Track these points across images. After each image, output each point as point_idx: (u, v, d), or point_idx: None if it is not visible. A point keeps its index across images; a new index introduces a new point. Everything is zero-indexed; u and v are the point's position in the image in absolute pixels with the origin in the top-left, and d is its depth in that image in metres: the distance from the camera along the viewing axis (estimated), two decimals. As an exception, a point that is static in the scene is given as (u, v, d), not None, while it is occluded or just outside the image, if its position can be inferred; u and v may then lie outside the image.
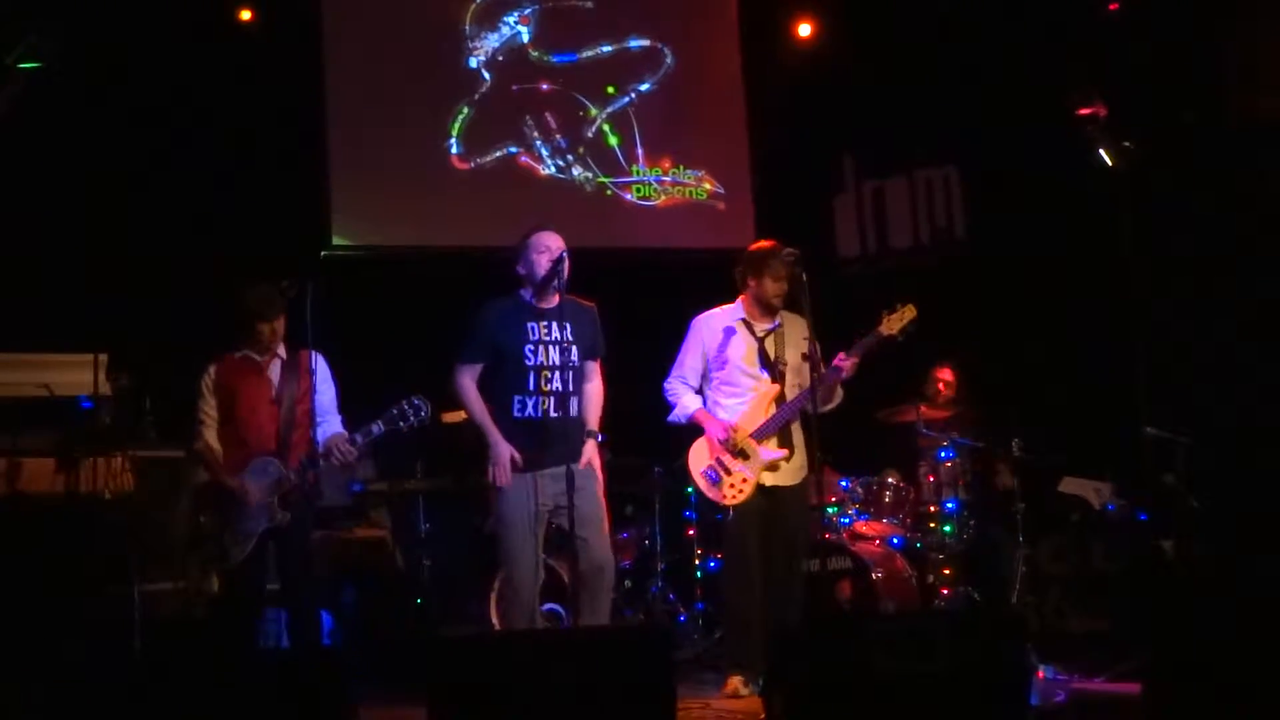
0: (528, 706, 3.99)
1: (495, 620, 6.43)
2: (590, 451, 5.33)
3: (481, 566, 6.73)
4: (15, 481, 6.11)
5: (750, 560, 5.70)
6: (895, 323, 5.66)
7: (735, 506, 5.71)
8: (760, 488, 5.70)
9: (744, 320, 5.84)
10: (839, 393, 5.78)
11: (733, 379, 5.81)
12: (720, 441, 5.73)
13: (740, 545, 5.73)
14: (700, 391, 5.91)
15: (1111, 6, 7.49)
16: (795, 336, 5.78)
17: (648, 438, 7.06)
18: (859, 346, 5.66)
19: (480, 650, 4.20)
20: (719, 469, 5.74)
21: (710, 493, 5.77)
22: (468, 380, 5.34)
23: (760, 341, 5.80)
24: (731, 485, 5.70)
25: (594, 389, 5.44)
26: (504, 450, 5.21)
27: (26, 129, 6.54)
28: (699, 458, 5.82)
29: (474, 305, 5.42)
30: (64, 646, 5.71)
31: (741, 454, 5.70)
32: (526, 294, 5.37)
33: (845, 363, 5.63)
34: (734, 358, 5.80)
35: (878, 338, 5.66)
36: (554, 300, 5.29)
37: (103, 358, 6.11)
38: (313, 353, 5.46)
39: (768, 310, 5.82)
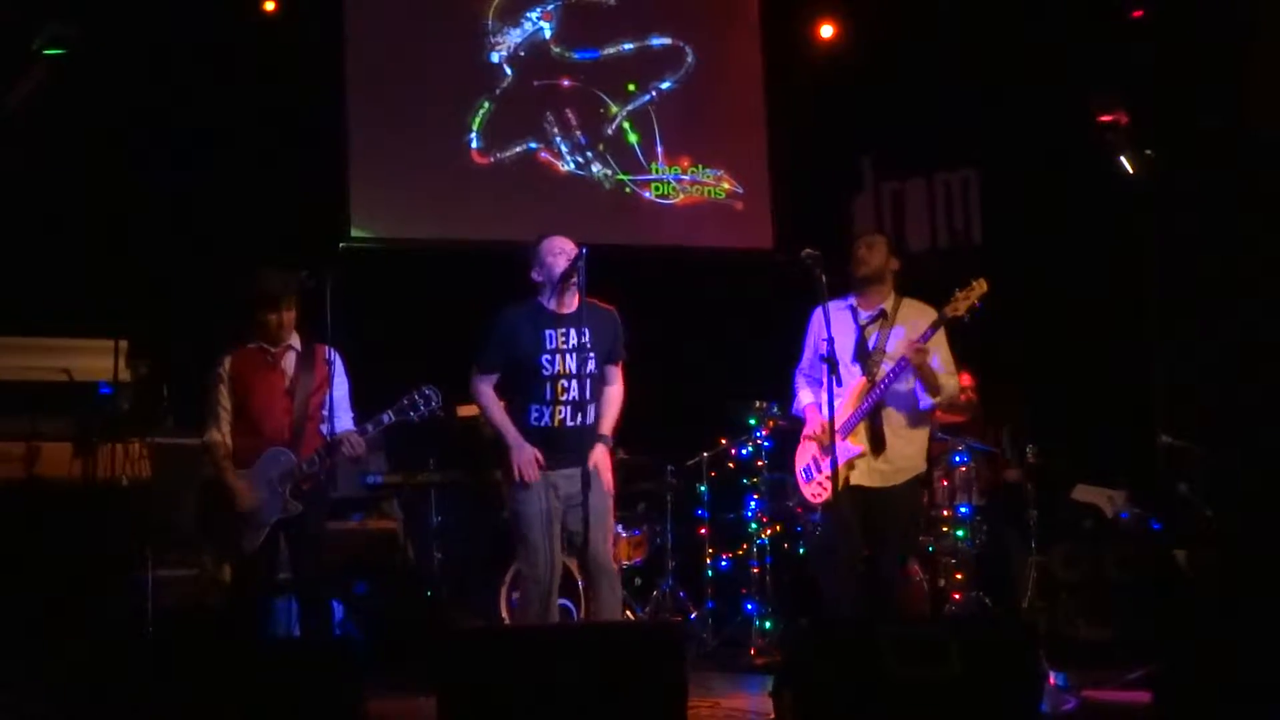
0: (538, 702, 4.00)
1: (505, 614, 6.44)
2: (599, 454, 5.20)
3: (492, 560, 6.74)
4: (32, 466, 6.14)
5: (836, 560, 5.40)
6: (961, 303, 5.30)
7: (822, 505, 5.46)
8: (848, 486, 5.35)
9: (852, 307, 5.54)
10: (946, 384, 5.37)
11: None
12: (810, 438, 5.53)
13: (827, 544, 5.51)
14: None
15: (1135, 14, 7.45)
16: (909, 326, 5.44)
17: (661, 436, 7.07)
18: (927, 333, 5.33)
19: (491, 646, 4.22)
20: (813, 466, 5.53)
21: (804, 490, 5.56)
22: (484, 387, 5.28)
23: (861, 329, 5.50)
24: (819, 483, 5.45)
25: (613, 393, 5.35)
26: (527, 450, 5.16)
27: (52, 116, 6.57)
28: (802, 455, 5.61)
29: (492, 308, 5.35)
30: (76, 632, 5.74)
31: (829, 451, 5.34)
32: (545, 299, 5.29)
33: (911, 351, 5.27)
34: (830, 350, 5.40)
35: (943, 319, 5.32)
36: (573, 304, 5.17)
37: (123, 344, 6.13)
38: (329, 348, 5.48)
39: (868, 290, 5.51)
